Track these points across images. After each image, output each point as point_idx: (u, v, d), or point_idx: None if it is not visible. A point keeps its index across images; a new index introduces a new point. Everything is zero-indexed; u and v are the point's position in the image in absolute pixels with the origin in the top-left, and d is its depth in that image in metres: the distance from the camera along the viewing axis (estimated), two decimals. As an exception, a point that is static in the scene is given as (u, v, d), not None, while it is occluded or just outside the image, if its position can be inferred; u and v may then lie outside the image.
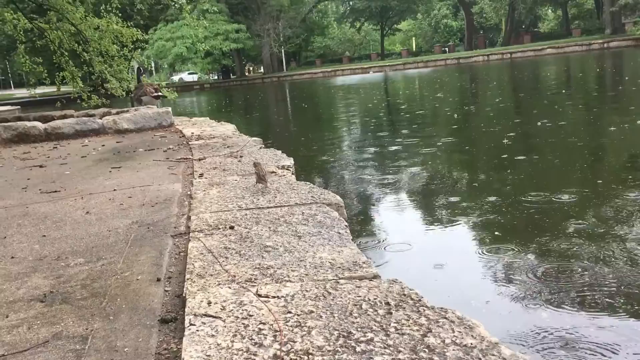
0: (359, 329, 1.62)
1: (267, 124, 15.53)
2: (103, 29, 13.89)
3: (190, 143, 6.50)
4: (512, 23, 56.59)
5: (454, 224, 4.62)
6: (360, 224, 4.87)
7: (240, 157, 5.13)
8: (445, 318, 1.68)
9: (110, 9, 14.43)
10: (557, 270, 3.36)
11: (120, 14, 14.49)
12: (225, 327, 1.66)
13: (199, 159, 5.18)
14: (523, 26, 59.01)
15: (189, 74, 62.42)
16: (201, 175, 4.37)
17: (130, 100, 17.05)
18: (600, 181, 5.45)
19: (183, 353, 1.51)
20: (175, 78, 60.63)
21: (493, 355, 1.46)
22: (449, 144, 8.65)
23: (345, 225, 2.74)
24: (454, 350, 1.49)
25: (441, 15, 65.61)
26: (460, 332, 1.59)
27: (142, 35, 15.49)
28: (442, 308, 1.75)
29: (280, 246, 2.44)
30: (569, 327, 2.71)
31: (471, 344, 1.52)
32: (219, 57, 53.49)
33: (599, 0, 52.48)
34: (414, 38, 70.20)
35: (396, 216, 5.13)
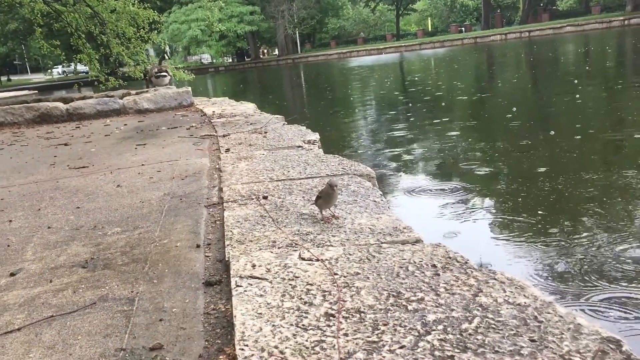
0: (408, 289, 1.60)
1: (284, 104, 15.48)
2: (120, 10, 13.86)
3: (212, 121, 6.49)
4: (530, 1, 55.59)
5: (482, 194, 4.60)
6: (391, 194, 4.88)
7: (265, 132, 5.11)
8: (495, 279, 1.65)
9: (126, -11, 14.37)
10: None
11: (136, -5, 14.43)
12: (272, 287, 1.65)
13: (224, 135, 5.17)
14: (541, 4, 57.99)
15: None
16: (227, 150, 4.36)
17: (145, 82, 17.08)
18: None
19: (234, 311, 1.51)
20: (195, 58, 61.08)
21: (549, 313, 1.43)
22: (470, 121, 8.55)
23: (380, 194, 2.71)
24: (507, 308, 1.46)
25: (457, -5, 64.68)
26: (512, 292, 1.56)
27: (159, 17, 15.45)
28: (490, 269, 1.72)
29: (317, 214, 2.42)
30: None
31: (525, 302, 1.49)
32: (234, 39, 53.36)
33: (619, -23, 51.31)
34: (429, 18, 69.28)
35: (425, 184, 5.16)
